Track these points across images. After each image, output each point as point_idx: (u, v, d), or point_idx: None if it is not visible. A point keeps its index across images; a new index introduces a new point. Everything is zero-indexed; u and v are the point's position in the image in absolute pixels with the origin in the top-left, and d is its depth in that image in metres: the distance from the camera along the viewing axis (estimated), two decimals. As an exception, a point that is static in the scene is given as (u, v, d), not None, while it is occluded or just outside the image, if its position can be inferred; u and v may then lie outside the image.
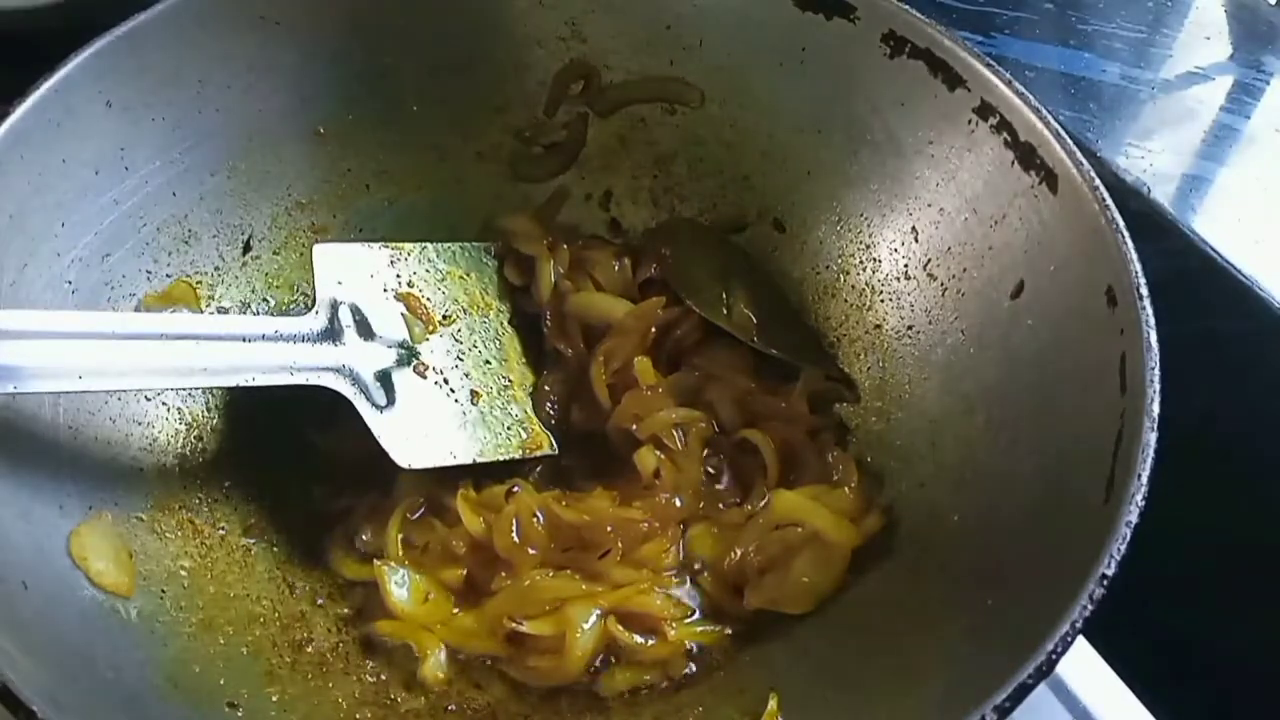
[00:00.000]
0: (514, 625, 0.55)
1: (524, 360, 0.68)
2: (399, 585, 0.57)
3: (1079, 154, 0.54)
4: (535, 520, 0.58)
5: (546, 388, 0.67)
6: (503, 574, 0.58)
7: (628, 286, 0.68)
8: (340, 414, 0.58)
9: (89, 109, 0.56)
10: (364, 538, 0.60)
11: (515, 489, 0.60)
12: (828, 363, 0.65)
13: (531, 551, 0.58)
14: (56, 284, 0.55)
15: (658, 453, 0.62)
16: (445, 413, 0.62)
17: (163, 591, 0.53)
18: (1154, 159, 0.78)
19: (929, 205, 0.61)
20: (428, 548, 0.59)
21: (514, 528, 0.58)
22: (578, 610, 0.56)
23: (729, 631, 0.57)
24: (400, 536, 0.59)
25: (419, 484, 0.61)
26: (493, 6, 0.66)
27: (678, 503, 0.61)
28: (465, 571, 0.58)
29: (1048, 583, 0.44)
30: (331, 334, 0.60)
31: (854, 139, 0.63)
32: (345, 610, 0.58)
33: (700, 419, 0.63)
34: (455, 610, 0.58)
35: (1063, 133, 0.55)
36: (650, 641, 0.56)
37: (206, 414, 0.62)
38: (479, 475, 0.62)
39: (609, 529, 0.59)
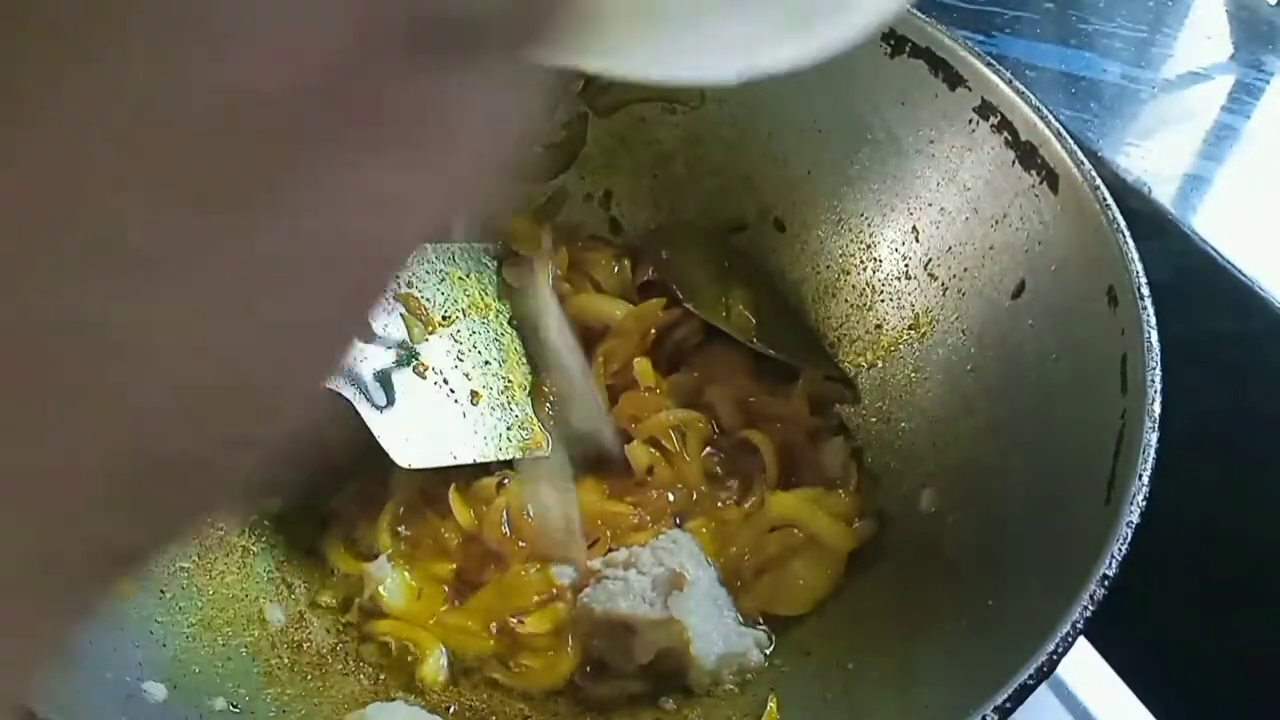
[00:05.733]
0: (514, 623, 0.55)
1: (524, 361, 0.68)
2: (389, 589, 0.57)
3: (1080, 153, 0.53)
4: (525, 512, 0.58)
5: (546, 388, 0.67)
6: (493, 567, 0.58)
7: (626, 288, 0.68)
8: (339, 414, 0.58)
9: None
10: (362, 535, 0.60)
11: (505, 481, 0.60)
12: (828, 363, 0.65)
13: (521, 544, 0.58)
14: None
15: (652, 449, 0.62)
16: (445, 413, 0.62)
17: (161, 592, 0.53)
18: (1154, 159, 0.78)
19: (930, 205, 0.61)
20: (419, 541, 0.59)
21: (504, 520, 0.58)
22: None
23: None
24: (391, 529, 0.59)
25: (416, 482, 0.60)
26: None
27: (670, 497, 0.61)
28: (456, 566, 0.58)
29: (1048, 583, 0.44)
30: (330, 334, 0.59)
31: (854, 138, 0.63)
32: (344, 611, 0.57)
33: (699, 420, 0.63)
34: (445, 606, 0.58)
35: (1063, 132, 0.55)
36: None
37: (205, 414, 0.61)
38: (477, 474, 0.61)
39: (598, 521, 0.59)
